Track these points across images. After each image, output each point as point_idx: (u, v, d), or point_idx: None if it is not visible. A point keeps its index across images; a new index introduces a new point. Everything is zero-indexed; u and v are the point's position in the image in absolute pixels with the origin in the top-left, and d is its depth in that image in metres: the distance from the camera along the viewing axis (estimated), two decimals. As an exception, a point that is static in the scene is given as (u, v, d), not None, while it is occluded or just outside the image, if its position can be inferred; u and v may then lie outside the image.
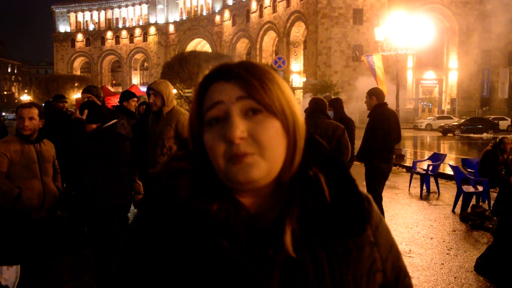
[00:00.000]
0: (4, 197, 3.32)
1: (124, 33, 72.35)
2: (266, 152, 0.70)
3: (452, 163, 11.02)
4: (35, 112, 3.48)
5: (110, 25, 74.08)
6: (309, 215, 0.73)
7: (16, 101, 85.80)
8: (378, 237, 0.79)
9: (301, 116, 0.77)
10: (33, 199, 3.44)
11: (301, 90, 41.69)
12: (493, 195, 7.33)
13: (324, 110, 5.12)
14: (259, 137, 0.70)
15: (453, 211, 7.18)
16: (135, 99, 5.57)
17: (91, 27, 75.11)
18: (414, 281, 4.33)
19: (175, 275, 0.71)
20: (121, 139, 3.73)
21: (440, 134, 29.53)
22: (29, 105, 3.57)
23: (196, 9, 66.61)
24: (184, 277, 0.70)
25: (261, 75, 0.73)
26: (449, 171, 9.70)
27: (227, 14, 60.16)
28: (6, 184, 3.31)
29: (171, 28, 68.58)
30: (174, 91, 38.75)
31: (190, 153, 0.78)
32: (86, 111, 3.66)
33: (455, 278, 4.45)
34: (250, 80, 0.72)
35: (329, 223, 0.73)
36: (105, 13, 74.35)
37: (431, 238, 5.78)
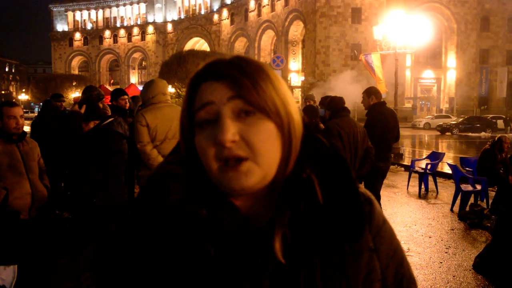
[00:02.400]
0: None
1: (122, 32, 72.24)
2: (259, 157, 0.67)
3: (451, 162, 11.04)
4: (22, 110, 3.46)
5: (108, 24, 73.96)
6: (303, 219, 0.69)
7: (13, 100, 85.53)
8: (378, 242, 0.75)
9: (297, 116, 0.73)
10: (22, 199, 3.36)
11: (300, 89, 41.71)
12: (492, 193, 7.34)
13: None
14: (252, 141, 0.67)
15: (451, 209, 7.19)
16: (125, 97, 5.51)
17: (89, 26, 74.98)
18: (412, 280, 4.33)
19: (165, 280, 0.69)
20: (118, 138, 3.70)
21: (438, 133, 29.57)
22: (15, 103, 3.49)
23: (194, 8, 66.54)
24: (174, 282, 0.68)
25: (254, 74, 0.69)
26: (448, 170, 9.70)
27: (225, 13, 60.11)
28: None
29: (169, 27, 68.49)
30: (172, 90, 38.68)
31: (181, 157, 0.76)
32: (84, 106, 3.65)
33: (454, 276, 4.45)
34: (242, 79, 0.68)
35: (324, 227, 0.69)
36: (103, 12, 74.24)
37: (430, 237, 5.78)
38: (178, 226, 0.69)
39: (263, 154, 0.68)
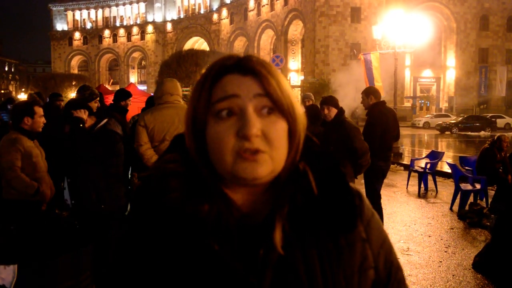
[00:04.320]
0: (24, 192, 3.47)
1: (121, 32, 72.13)
2: (274, 152, 0.70)
3: (450, 161, 11.05)
4: None
5: (108, 23, 73.85)
6: (300, 212, 0.72)
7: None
8: (369, 233, 0.79)
9: (303, 117, 0.77)
10: (45, 192, 3.61)
11: (299, 89, 41.66)
12: (491, 193, 7.34)
13: None
14: (271, 137, 0.70)
15: (451, 209, 7.20)
16: (131, 98, 5.57)
17: (89, 25, 74.86)
18: (412, 279, 4.34)
19: (167, 277, 0.70)
20: (119, 138, 3.69)
21: (437, 132, 29.57)
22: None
23: (193, 7, 66.46)
24: (175, 278, 0.69)
25: (276, 74, 0.73)
26: (447, 169, 9.71)
27: (224, 12, 60.06)
28: (26, 179, 3.47)
29: (169, 27, 68.40)
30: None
31: (180, 155, 0.77)
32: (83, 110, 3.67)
33: (453, 276, 4.45)
34: (269, 78, 0.71)
35: (319, 220, 0.73)
36: (103, 11, 74.14)
37: (429, 236, 5.79)
38: (178, 223, 0.70)
39: (278, 149, 0.71)
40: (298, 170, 0.75)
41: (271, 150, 0.70)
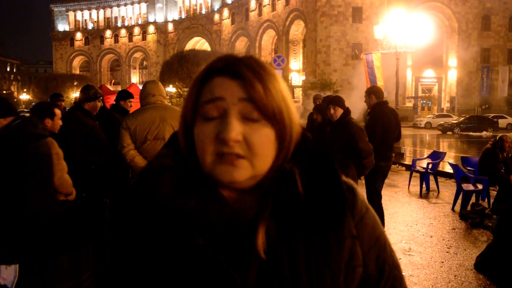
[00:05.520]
0: (66, 193, 3.44)
1: (123, 32, 72.30)
2: (255, 159, 0.70)
3: (452, 161, 11.02)
4: None
5: (109, 24, 74.03)
6: (286, 210, 0.71)
7: (15, 100, 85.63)
8: (361, 229, 0.77)
9: (297, 118, 0.76)
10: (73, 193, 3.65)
11: (301, 89, 41.68)
12: (493, 193, 7.33)
13: None
14: (254, 143, 0.70)
15: (452, 209, 7.18)
16: (131, 99, 5.63)
17: (90, 26, 75.06)
18: (414, 280, 4.33)
19: (158, 272, 0.70)
20: (32, 136, 2.87)
21: (439, 132, 29.55)
22: None
23: (195, 7, 66.58)
24: (165, 273, 0.70)
25: (266, 79, 0.72)
26: (449, 169, 9.69)
27: (226, 12, 60.12)
28: (70, 180, 3.49)
29: (170, 27, 68.53)
30: (173, 90, 38.66)
31: (174, 150, 0.78)
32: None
33: (455, 276, 4.44)
34: (255, 83, 0.70)
35: (306, 216, 0.71)
36: (104, 12, 74.32)
37: (431, 237, 5.77)
38: (168, 218, 0.70)
39: (260, 157, 0.70)
40: (285, 171, 0.74)
41: (252, 156, 0.70)
